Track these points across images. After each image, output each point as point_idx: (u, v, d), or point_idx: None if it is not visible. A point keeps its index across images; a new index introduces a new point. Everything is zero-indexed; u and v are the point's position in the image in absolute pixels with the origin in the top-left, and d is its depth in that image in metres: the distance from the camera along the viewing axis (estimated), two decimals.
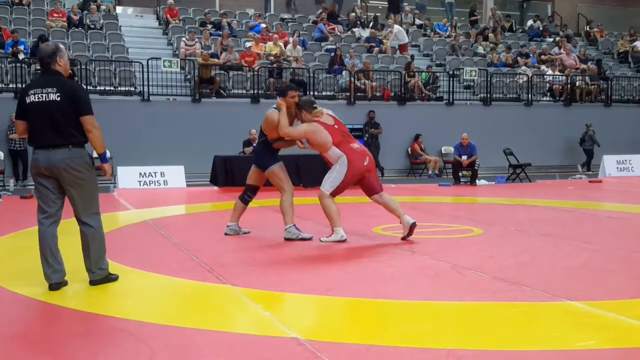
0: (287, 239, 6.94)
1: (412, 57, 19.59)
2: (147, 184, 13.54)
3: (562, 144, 18.81)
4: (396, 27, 20.80)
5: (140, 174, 13.61)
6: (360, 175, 6.74)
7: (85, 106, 4.69)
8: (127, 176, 13.49)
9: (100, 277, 4.90)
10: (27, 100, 4.66)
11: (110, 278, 4.99)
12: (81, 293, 4.73)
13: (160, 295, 4.83)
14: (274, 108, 7.19)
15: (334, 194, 6.75)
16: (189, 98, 16.47)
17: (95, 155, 5.05)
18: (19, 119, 4.77)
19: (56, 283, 4.73)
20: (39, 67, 15.17)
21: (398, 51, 20.31)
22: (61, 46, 4.85)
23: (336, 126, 6.83)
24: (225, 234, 7.37)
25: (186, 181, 13.89)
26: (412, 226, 6.72)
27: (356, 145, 6.84)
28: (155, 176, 13.68)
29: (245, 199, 7.48)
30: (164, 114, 15.89)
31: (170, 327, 3.89)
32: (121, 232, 7.90)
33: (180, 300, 4.69)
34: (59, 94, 4.60)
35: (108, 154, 4.98)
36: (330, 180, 6.75)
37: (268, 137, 7.18)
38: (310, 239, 6.93)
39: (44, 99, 4.60)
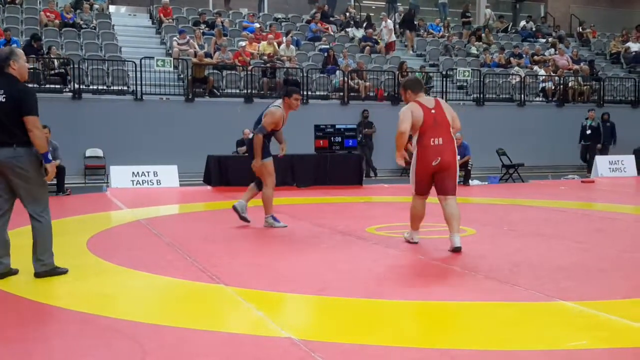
0: (266, 227, 7.67)
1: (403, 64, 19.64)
2: (140, 183, 13.49)
3: (555, 144, 18.85)
4: (389, 22, 20.86)
5: (133, 173, 13.56)
6: (429, 175, 6.20)
7: (29, 107, 4.89)
8: (120, 175, 13.43)
9: (43, 270, 5.06)
10: None
11: (57, 271, 5.13)
12: (74, 292, 4.72)
13: (153, 294, 4.82)
14: (276, 106, 7.64)
15: (417, 192, 6.32)
16: (182, 97, 16.43)
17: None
18: None
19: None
20: (30, 67, 15.23)
21: (390, 51, 20.34)
22: (18, 51, 5.08)
23: (433, 111, 6.18)
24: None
25: (179, 181, 13.84)
26: (455, 250, 6.05)
27: (437, 140, 6.14)
28: (149, 175, 13.63)
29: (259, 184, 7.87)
30: (157, 113, 15.85)
31: (163, 326, 3.88)
32: (114, 232, 7.88)
33: (173, 300, 4.68)
34: (4, 96, 4.84)
35: (50, 156, 5.11)
36: (410, 179, 6.44)
37: (267, 130, 7.58)
38: (285, 226, 7.60)
39: None
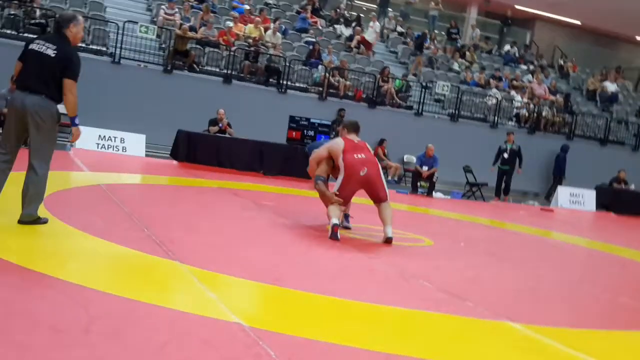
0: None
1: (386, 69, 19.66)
2: (105, 147, 13.27)
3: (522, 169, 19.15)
4: (377, 24, 20.91)
5: (99, 136, 13.33)
6: (358, 183, 7.07)
7: (71, 72, 5.25)
8: (86, 137, 13.16)
9: (28, 219, 5.24)
10: (29, 47, 5.29)
11: (39, 221, 5.32)
12: (22, 249, 4.62)
13: (105, 261, 4.75)
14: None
15: (337, 199, 7.00)
16: (160, 67, 16.21)
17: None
18: (19, 60, 5.34)
19: None
20: (11, 13, 14.80)
21: (368, 51, 20.34)
22: (80, 18, 5.46)
23: (356, 142, 7.26)
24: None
25: (146, 151, 13.67)
26: (387, 240, 6.93)
27: (360, 155, 7.08)
28: (115, 141, 13.42)
29: None
30: (133, 79, 15.60)
31: (112, 295, 3.83)
32: (73, 193, 7.75)
33: (125, 270, 4.63)
34: (55, 53, 5.19)
35: (77, 120, 5.47)
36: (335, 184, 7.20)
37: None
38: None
39: (41, 51, 5.19)
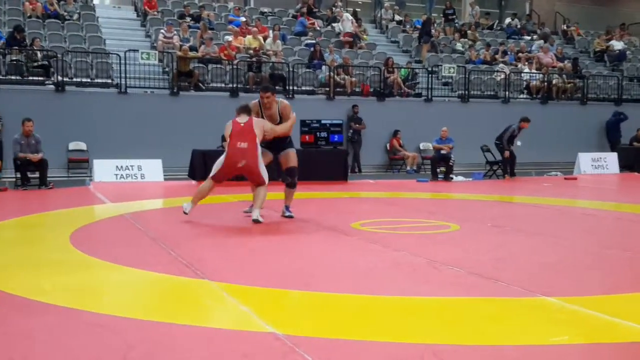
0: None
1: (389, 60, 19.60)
2: (123, 177, 13.42)
3: (539, 141, 18.98)
4: (346, 15, 20.84)
5: (117, 167, 13.48)
6: (232, 169, 7.79)
7: None
8: (104, 169, 13.36)
9: None
10: None
11: None
12: (57, 287, 4.69)
13: (137, 289, 4.80)
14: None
15: (214, 178, 7.92)
16: (167, 91, 16.34)
17: None
18: None
19: None
20: (14, 58, 15.07)
21: (346, 45, 20.27)
22: None
23: (242, 124, 7.74)
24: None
25: (164, 175, 13.79)
26: (254, 221, 7.59)
27: (242, 144, 7.64)
28: (132, 169, 13.56)
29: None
30: (141, 106, 15.75)
31: (147, 321, 3.87)
32: (97, 226, 7.84)
33: (157, 295, 4.67)
34: None
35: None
36: (214, 167, 7.97)
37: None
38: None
39: None
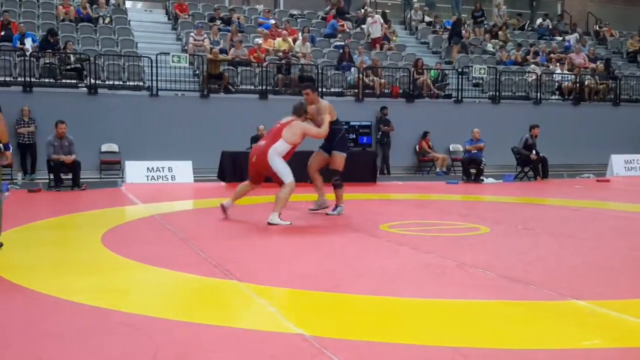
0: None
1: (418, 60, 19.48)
2: (154, 178, 13.58)
3: (571, 142, 18.73)
4: (377, 16, 20.74)
5: (148, 168, 13.65)
6: (251, 166, 8.05)
7: None
8: (135, 171, 13.53)
9: None
10: None
11: None
12: (89, 287, 4.76)
13: (167, 289, 4.85)
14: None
15: (249, 177, 8.27)
16: (197, 93, 16.49)
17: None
18: None
19: None
20: (47, 61, 15.35)
21: (377, 44, 20.17)
22: None
23: (278, 125, 8.00)
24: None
25: (194, 176, 13.91)
26: (222, 209, 8.17)
27: (261, 142, 8.05)
28: (163, 171, 13.72)
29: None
30: (172, 109, 15.92)
31: (176, 321, 3.91)
32: (128, 227, 7.94)
33: (186, 295, 4.71)
34: None
35: (9, 145, 6.40)
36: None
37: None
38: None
39: None
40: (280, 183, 7.79)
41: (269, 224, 7.56)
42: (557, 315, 4.09)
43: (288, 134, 7.81)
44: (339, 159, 8.48)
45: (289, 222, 7.67)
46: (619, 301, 4.37)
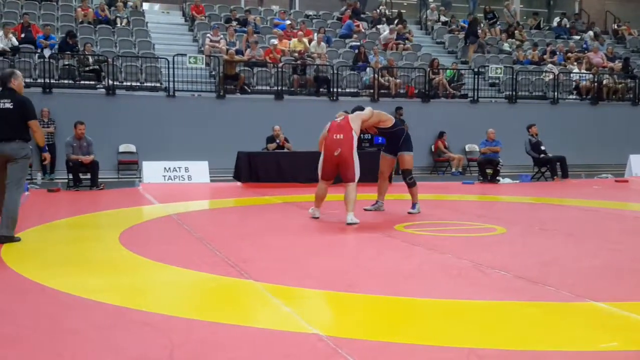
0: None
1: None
2: (171, 178, 13.66)
3: (589, 142, 18.56)
4: (384, 26, 20.78)
5: (165, 168, 13.74)
6: (330, 161, 7.91)
7: (30, 114, 6.56)
8: (152, 171, 13.63)
9: (3, 235, 6.33)
10: None
11: (13, 239, 6.38)
12: (107, 286, 4.81)
13: (183, 288, 4.88)
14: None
15: (322, 177, 8.11)
16: (213, 94, 16.57)
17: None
18: None
19: None
20: (66, 63, 15.51)
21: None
22: (17, 72, 6.82)
23: (339, 121, 8.06)
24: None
25: (210, 176, 13.98)
26: (348, 224, 7.66)
27: (339, 136, 7.87)
28: (180, 171, 13.80)
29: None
30: (189, 109, 16.01)
31: (192, 320, 3.94)
32: (146, 226, 8.00)
33: (203, 294, 4.74)
34: (12, 104, 6.46)
35: (46, 147, 7.55)
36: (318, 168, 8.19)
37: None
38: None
39: (2, 107, 6.45)
40: (350, 179, 7.80)
41: (348, 224, 7.60)
42: (575, 317, 4.06)
43: (355, 125, 7.98)
44: (408, 158, 8.84)
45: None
46: (639, 303, 4.32)
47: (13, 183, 6.41)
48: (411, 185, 8.82)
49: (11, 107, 6.43)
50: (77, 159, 12.17)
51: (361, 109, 8.46)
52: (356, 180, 7.84)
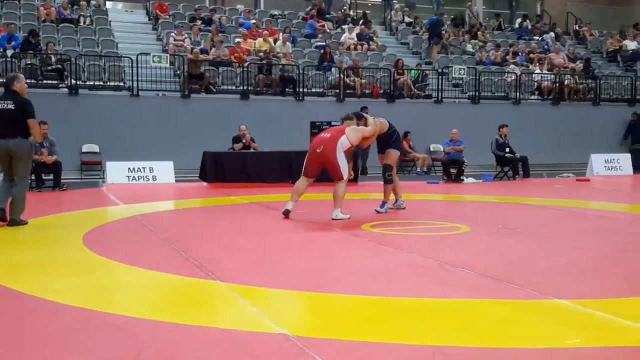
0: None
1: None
2: (135, 179, 13.49)
3: (551, 142, 18.91)
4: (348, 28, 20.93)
5: (129, 169, 13.57)
6: (313, 158, 8.14)
7: (29, 113, 7.45)
8: (116, 171, 13.45)
9: (16, 222, 7.41)
10: None
11: (22, 222, 7.48)
12: (71, 288, 4.73)
13: (149, 290, 4.82)
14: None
15: (304, 173, 8.30)
16: (178, 93, 16.42)
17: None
18: None
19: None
20: (28, 62, 15.21)
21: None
22: (20, 75, 7.83)
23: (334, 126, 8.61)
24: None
25: (175, 177, 13.85)
26: (286, 214, 8.11)
27: (326, 135, 8.23)
28: (144, 171, 13.64)
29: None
30: (153, 109, 15.84)
31: (159, 322, 3.89)
32: (110, 227, 7.89)
33: (169, 296, 4.69)
34: (13, 104, 7.40)
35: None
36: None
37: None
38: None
39: (4, 107, 7.41)
40: (337, 178, 8.06)
41: (333, 219, 7.92)
42: (539, 314, 4.13)
43: (351, 133, 8.21)
44: (393, 155, 9.06)
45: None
46: (602, 300, 4.40)
47: (19, 178, 7.50)
48: (387, 182, 8.98)
49: (12, 107, 7.35)
50: (39, 159, 11.94)
51: (360, 116, 8.70)
52: (345, 178, 8.08)
